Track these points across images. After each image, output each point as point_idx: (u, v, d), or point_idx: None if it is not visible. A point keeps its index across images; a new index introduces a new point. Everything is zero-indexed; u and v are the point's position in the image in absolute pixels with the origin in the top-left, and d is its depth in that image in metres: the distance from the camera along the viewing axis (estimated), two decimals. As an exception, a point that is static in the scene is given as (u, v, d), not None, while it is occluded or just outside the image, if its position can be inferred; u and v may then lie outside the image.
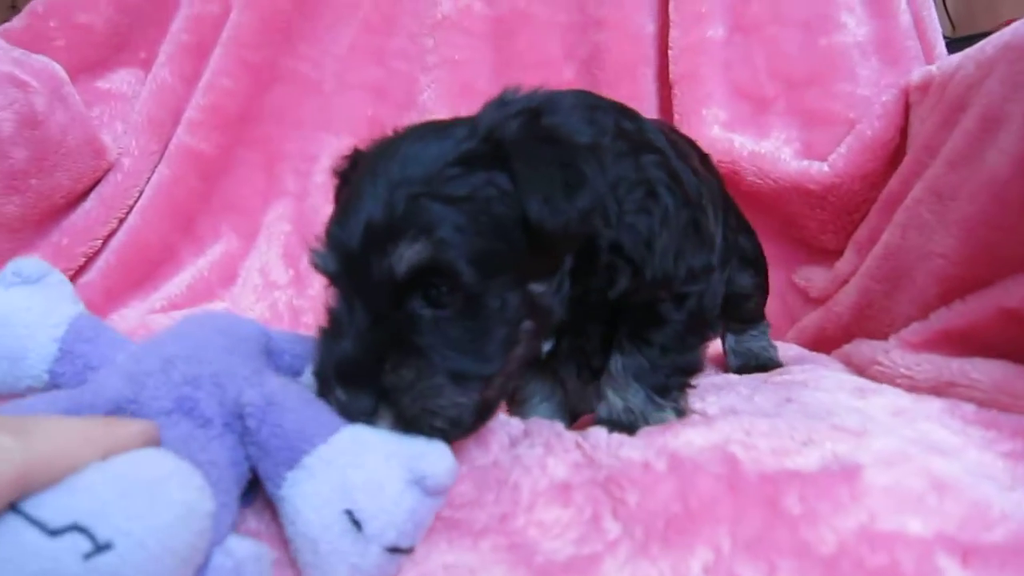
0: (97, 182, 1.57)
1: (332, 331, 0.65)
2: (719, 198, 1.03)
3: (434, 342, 0.63)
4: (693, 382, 0.86)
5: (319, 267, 0.68)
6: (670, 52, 1.68)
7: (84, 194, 1.56)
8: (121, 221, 1.58)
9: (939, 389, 0.88)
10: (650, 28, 1.73)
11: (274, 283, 1.61)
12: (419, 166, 0.65)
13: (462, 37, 1.76)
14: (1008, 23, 2.74)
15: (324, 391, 0.63)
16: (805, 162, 1.52)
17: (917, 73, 1.41)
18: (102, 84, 1.70)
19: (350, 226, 0.65)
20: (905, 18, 1.64)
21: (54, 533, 0.40)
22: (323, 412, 0.61)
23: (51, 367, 0.69)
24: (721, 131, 1.58)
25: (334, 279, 0.67)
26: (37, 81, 1.41)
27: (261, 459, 0.58)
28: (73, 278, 1.49)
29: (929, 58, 1.62)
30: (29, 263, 0.74)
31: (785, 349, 1.24)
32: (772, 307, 1.51)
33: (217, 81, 1.69)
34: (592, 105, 0.83)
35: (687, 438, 0.67)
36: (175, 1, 1.78)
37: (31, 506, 0.41)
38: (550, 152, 0.66)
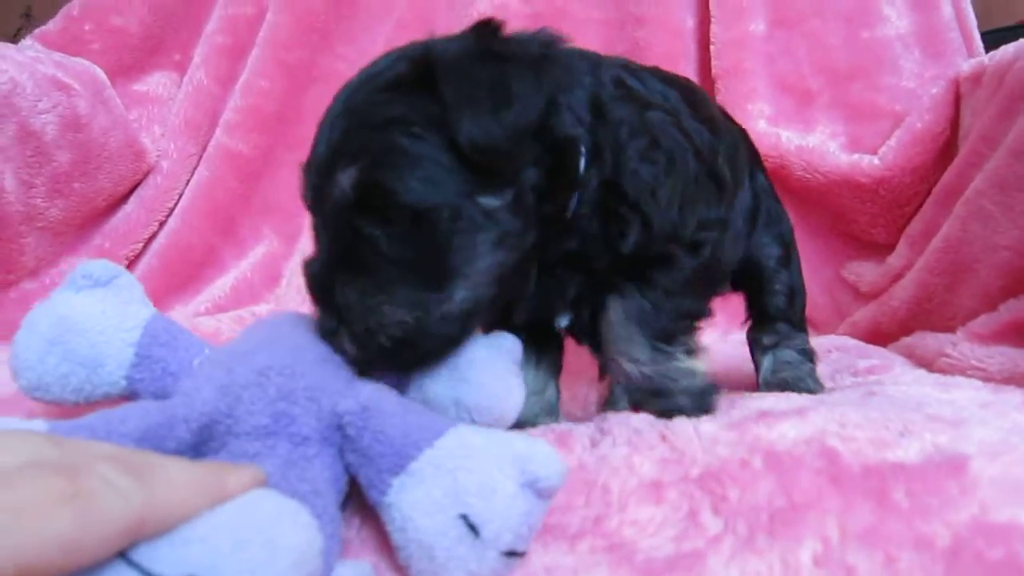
0: (137, 185, 1.58)
1: (312, 256, 0.70)
2: (746, 155, 1.02)
3: (382, 261, 0.65)
4: (700, 327, 0.83)
5: (302, 198, 0.72)
6: (712, 47, 1.68)
7: (124, 197, 1.57)
8: (162, 224, 1.59)
9: (1015, 380, 0.87)
10: (690, 23, 1.73)
11: (319, 284, 1.61)
12: (355, 96, 0.70)
13: (500, 35, 1.76)
14: None
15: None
16: (855, 155, 1.51)
17: (968, 65, 1.41)
18: (138, 87, 1.71)
19: (310, 161, 0.70)
20: (947, 10, 1.65)
21: None
22: (424, 415, 0.60)
23: (128, 373, 0.68)
24: (767, 126, 1.57)
25: (309, 207, 0.71)
26: (79, 84, 1.42)
27: (363, 466, 0.57)
28: (116, 281, 1.49)
29: (970, 50, 1.62)
30: (99, 265, 0.73)
31: (842, 342, 1.23)
32: (821, 303, 1.52)
33: (255, 82, 1.70)
34: (598, 61, 0.82)
35: (781, 430, 0.65)
36: (207, 3, 1.79)
37: (144, 556, 0.40)
38: (481, 71, 0.66)
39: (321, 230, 0.70)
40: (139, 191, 1.58)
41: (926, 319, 1.21)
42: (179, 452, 0.57)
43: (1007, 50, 1.24)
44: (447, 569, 0.52)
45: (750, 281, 1.04)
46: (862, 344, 1.25)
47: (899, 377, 0.92)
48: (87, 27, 1.66)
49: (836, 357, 1.13)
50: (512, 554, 0.53)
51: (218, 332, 1.33)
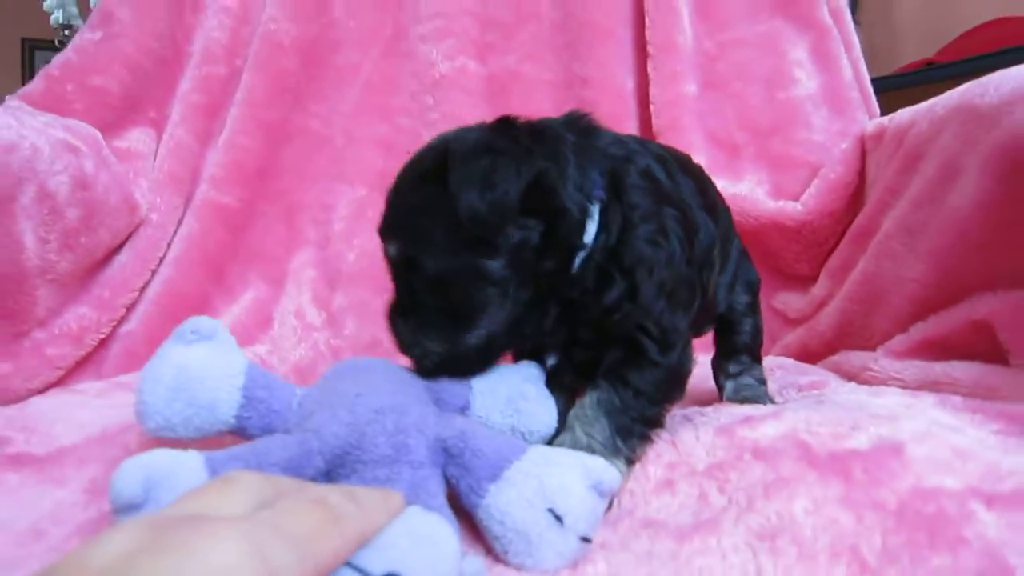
0: (129, 237, 1.67)
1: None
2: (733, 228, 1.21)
3: (424, 307, 0.88)
4: (653, 436, 0.90)
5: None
6: (652, 106, 1.87)
7: (118, 248, 1.65)
8: (154, 272, 1.68)
9: (926, 387, 1.07)
10: (630, 85, 1.92)
11: (311, 325, 1.72)
12: (401, 181, 0.91)
13: (460, 94, 1.92)
14: (910, 65, 3.04)
15: None
16: (780, 202, 1.73)
17: (871, 124, 1.64)
18: (120, 143, 1.77)
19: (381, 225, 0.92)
20: (848, 72, 1.88)
21: None
22: (508, 438, 0.78)
23: (238, 412, 0.81)
24: (704, 178, 1.78)
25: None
26: (85, 145, 1.52)
27: (463, 477, 0.73)
28: (115, 328, 1.58)
29: (868, 106, 1.86)
30: (203, 321, 0.85)
31: (782, 362, 1.44)
32: (755, 329, 1.73)
33: (235, 139, 1.81)
34: (634, 149, 0.96)
35: (762, 431, 0.84)
36: (179, 63, 1.89)
37: (359, 559, 0.51)
38: (477, 162, 0.82)
39: (393, 280, 0.93)
40: (131, 243, 1.65)
41: (848, 340, 1.42)
42: (315, 478, 0.71)
43: (904, 114, 1.46)
44: (540, 550, 0.68)
45: (724, 323, 1.22)
46: (799, 363, 1.45)
47: (837, 389, 1.11)
48: (69, 87, 1.73)
49: (780, 375, 1.31)
50: (585, 539, 0.69)
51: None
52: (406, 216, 0.88)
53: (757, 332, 1.23)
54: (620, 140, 0.96)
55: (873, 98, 1.88)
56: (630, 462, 0.86)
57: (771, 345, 1.66)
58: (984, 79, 1.14)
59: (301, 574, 0.43)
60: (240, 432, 0.82)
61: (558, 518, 0.68)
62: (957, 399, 0.97)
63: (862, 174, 1.63)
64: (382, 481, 0.71)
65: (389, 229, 0.91)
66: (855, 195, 1.63)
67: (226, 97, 1.88)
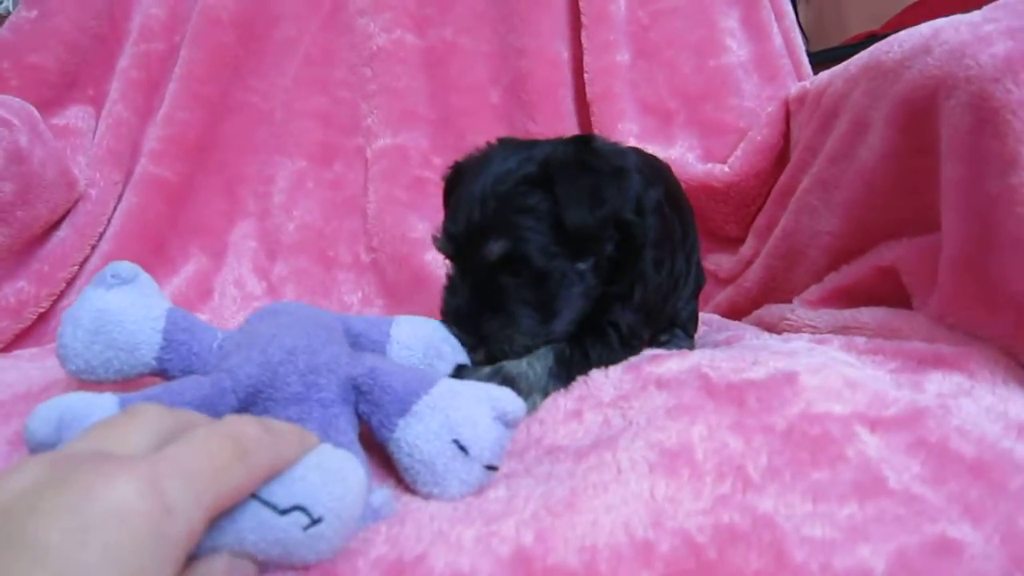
0: (68, 212, 1.68)
1: (450, 290, 0.98)
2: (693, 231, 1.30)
3: (513, 303, 0.94)
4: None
5: (440, 249, 1.02)
6: (585, 75, 1.90)
7: (58, 224, 1.66)
8: (94, 247, 1.69)
9: (836, 332, 1.12)
10: (565, 55, 1.95)
11: (251, 294, 1.74)
12: (500, 184, 0.96)
13: (398, 67, 1.93)
14: (855, 37, 3.10)
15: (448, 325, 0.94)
16: (709, 164, 1.77)
17: (794, 88, 1.69)
18: (57, 121, 1.78)
19: (458, 223, 0.97)
20: (778, 40, 1.92)
21: (283, 512, 0.52)
22: (417, 372, 0.80)
23: (158, 355, 0.82)
24: (636, 142, 1.79)
25: (450, 258, 1.02)
26: (19, 120, 1.52)
27: (374, 413, 0.76)
28: (55, 303, 1.59)
29: (799, 73, 1.91)
30: (123, 266, 0.86)
31: (707, 318, 1.49)
32: (689, 290, 1.77)
33: (174, 114, 1.82)
34: (651, 178, 1.09)
35: (667, 366, 0.88)
36: (118, 40, 1.89)
37: (265, 493, 0.52)
38: (583, 177, 0.94)
39: (465, 276, 0.98)
40: (70, 218, 1.66)
41: (772, 295, 1.46)
42: None
43: (823, 76, 1.50)
44: (446, 479, 0.71)
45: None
46: (723, 319, 1.50)
47: (746, 338, 1.17)
48: (5, 65, 1.73)
49: (703, 331, 1.36)
50: (490, 468, 0.72)
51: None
52: (515, 216, 0.94)
53: (693, 315, 1.32)
54: (639, 167, 1.07)
55: (806, 66, 1.93)
56: (547, 394, 0.93)
57: (704, 306, 1.69)
58: (892, 37, 1.18)
59: (198, 510, 0.44)
60: (162, 374, 0.83)
61: (463, 449, 0.71)
62: (860, 340, 1.02)
63: (787, 136, 1.68)
64: (293, 419, 0.72)
65: (489, 226, 0.95)
66: (780, 156, 1.67)
67: (165, 73, 1.88)
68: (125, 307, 0.83)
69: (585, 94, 1.91)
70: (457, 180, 1.08)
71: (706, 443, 0.72)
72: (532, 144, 1.04)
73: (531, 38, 1.94)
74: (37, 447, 0.66)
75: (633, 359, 0.97)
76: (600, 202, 0.93)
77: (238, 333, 0.85)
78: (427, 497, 0.72)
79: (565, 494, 0.66)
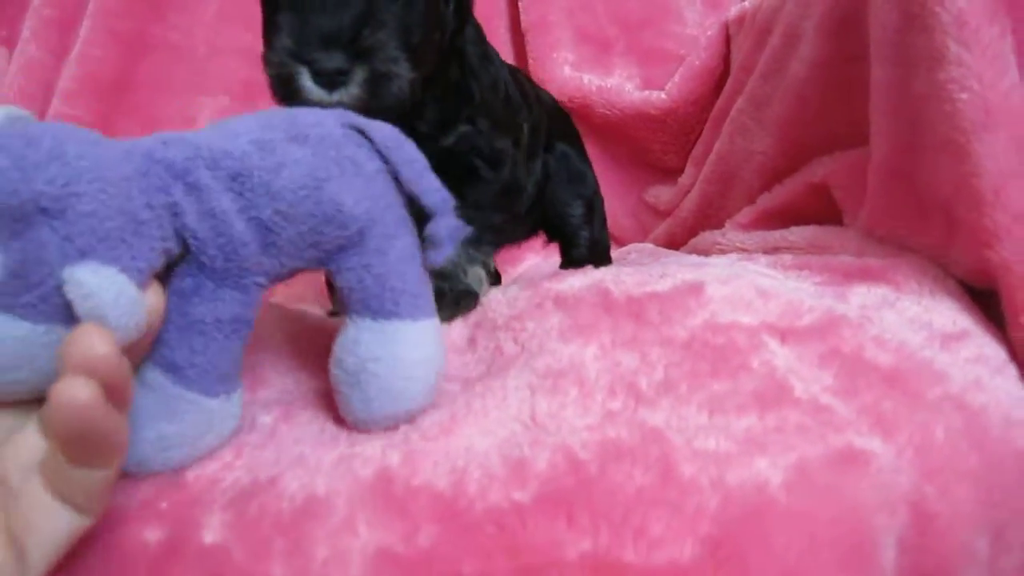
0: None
1: (299, 7, 0.77)
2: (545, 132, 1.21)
3: (393, 21, 0.79)
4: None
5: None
6: (520, 3, 1.83)
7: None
8: (4, 192, 1.61)
9: (767, 252, 1.07)
10: (500, -17, 1.88)
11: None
12: None
13: (325, -1, 1.85)
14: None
15: (296, 59, 0.76)
16: (646, 92, 1.71)
17: (735, 9, 1.63)
18: None
19: None
20: (722, -34, 1.86)
21: None
22: None
23: None
24: (571, 71, 1.74)
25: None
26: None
27: None
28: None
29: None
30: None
31: (640, 247, 1.44)
32: (626, 224, 1.72)
33: (88, 51, 1.73)
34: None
35: (569, 283, 0.82)
36: (32, -21, 1.80)
37: None
38: None
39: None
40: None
41: (708, 222, 1.41)
42: None
43: None
44: None
45: (560, 235, 1.23)
46: (656, 248, 1.45)
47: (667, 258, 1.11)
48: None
49: (634, 256, 1.32)
50: None
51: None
52: None
53: (595, 245, 1.24)
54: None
55: (753, -6, 1.86)
56: (488, 267, 0.93)
57: (643, 239, 1.65)
58: (824, -56, 1.12)
59: None
60: None
61: None
62: (788, 257, 0.97)
63: (727, 60, 1.62)
64: None
65: None
66: (720, 81, 1.61)
67: (80, 11, 1.80)
68: None
69: (520, 23, 1.85)
70: None
71: (599, 362, 0.67)
72: None
73: (464, -34, 1.84)
74: None
75: (536, 278, 0.90)
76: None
77: None
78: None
79: (443, 419, 0.61)
